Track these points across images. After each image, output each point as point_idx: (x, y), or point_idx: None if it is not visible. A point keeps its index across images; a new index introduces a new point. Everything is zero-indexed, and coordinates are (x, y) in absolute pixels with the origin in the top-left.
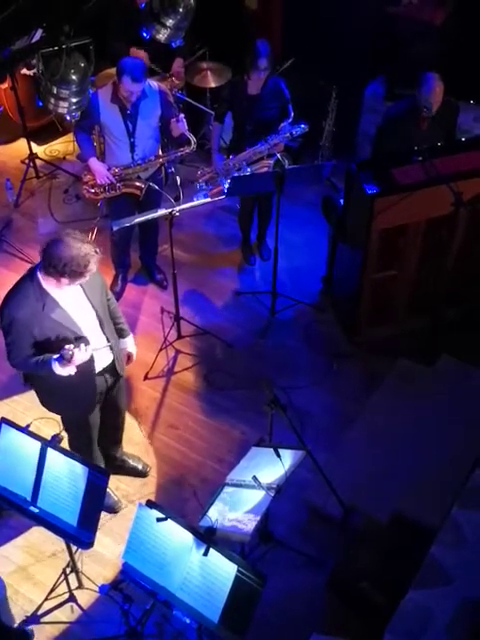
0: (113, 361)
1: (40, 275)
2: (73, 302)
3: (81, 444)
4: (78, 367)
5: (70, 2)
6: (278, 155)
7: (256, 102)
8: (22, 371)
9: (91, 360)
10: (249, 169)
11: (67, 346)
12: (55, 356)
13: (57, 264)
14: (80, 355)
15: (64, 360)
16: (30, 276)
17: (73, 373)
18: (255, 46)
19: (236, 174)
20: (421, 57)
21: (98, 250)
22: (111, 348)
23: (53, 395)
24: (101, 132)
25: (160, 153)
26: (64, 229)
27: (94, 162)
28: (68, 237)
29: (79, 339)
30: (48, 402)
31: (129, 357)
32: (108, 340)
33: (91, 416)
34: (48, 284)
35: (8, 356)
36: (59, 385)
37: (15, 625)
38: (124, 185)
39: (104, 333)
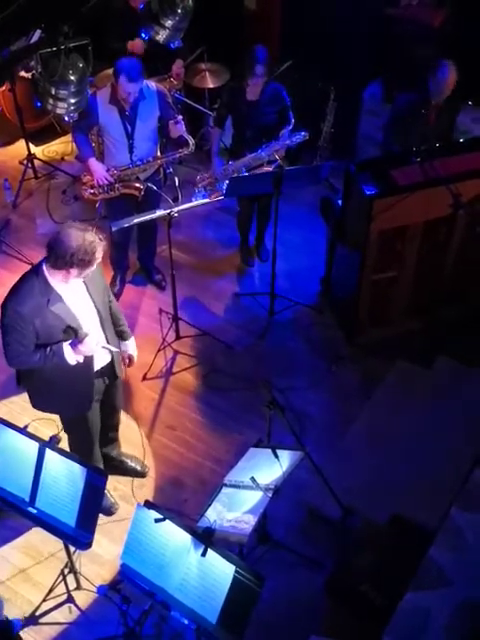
0: (111, 362)
1: (46, 270)
2: (76, 298)
3: (81, 446)
4: (76, 365)
5: (68, 3)
6: (279, 161)
7: (255, 108)
8: (23, 368)
9: (90, 357)
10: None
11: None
12: (66, 342)
13: (65, 255)
14: (92, 340)
15: (78, 345)
16: (35, 271)
17: (81, 361)
18: (253, 52)
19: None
20: (419, 59)
21: (101, 237)
22: (111, 351)
23: (50, 394)
24: (100, 133)
25: (159, 154)
26: (65, 223)
27: (93, 162)
28: (71, 228)
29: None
30: (44, 402)
31: (130, 360)
32: (108, 340)
33: (91, 417)
34: (54, 279)
35: (7, 355)
36: (56, 383)
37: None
38: (123, 186)
39: (104, 332)
